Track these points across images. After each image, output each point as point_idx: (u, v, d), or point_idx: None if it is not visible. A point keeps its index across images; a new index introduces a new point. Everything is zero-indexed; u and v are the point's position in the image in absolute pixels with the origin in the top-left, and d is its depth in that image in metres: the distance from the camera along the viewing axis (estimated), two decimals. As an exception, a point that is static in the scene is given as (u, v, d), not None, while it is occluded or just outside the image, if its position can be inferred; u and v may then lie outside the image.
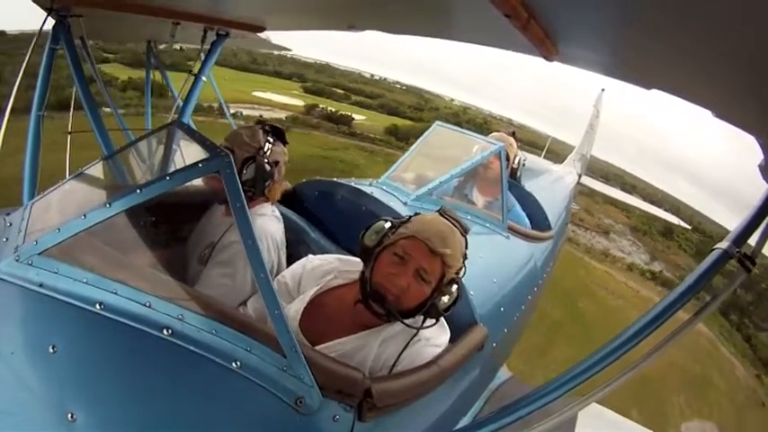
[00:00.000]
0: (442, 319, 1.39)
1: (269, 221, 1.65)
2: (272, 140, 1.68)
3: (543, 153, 7.42)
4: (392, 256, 1.24)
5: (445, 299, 1.26)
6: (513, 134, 3.10)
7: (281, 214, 1.75)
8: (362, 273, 1.29)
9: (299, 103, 38.85)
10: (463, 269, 1.32)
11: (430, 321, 1.29)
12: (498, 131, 3.12)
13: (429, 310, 1.25)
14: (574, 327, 11.68)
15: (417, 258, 1.22)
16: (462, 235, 1.31)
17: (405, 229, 1.27)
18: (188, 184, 1.07)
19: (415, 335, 1.26)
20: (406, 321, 1.25)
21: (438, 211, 1.35)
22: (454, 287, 1.27)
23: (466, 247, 1.32)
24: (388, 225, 1.31)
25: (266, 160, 1.63)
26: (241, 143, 1.62)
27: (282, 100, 38.14)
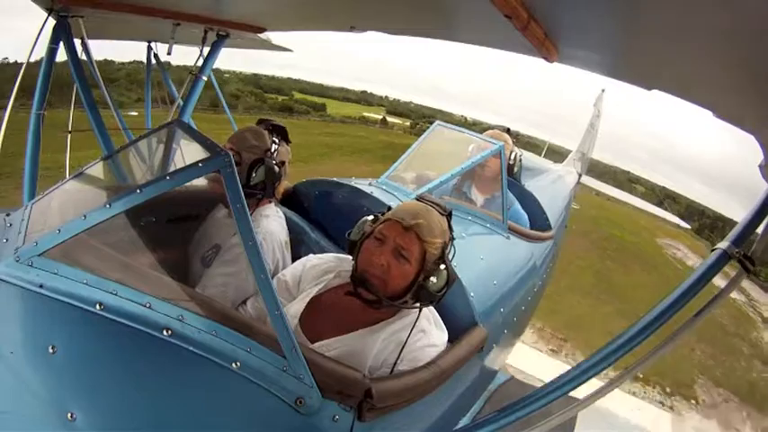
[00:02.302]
0: (441, 320, 1.39)
1: (273, 222, 1.64)
2: (277, 141, 1.67)
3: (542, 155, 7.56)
4: (372, 241, 1.28)
5: (434, 279, 1.26)
6: (508, 131, 3.09)
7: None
8: (353, 266, 1.31)
9: (399, 121, 48.06)
10: (452, 250, 1.33)
11: (427, 311, 1.30)
12: (493, 129, 3.11)
13: (418, 292, 1.26)
14: (605, 213, 19.94)
15: (393, 236, 1.25)
16: (441, 214, 1.32)
17: (383, 217, 1.32)
18: (190, 185, 1.07)
19: (413, 329, 1.27)
20: (405, 309, 1.27)
21: (416, 197, 1.40)
22: (442, 267, 1.28)
23: (451, 229, 1.34)
24: (370, 218, 1.37)
25: (274, 161, 1.62)
26: (248, 146, 1.61)
27: (391, 119, 47.75)
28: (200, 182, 1.05)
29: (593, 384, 1.21)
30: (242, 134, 1.65)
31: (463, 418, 1.69)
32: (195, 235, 1.71)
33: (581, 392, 1.24)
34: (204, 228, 1.70)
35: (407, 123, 46.31)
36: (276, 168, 1.61)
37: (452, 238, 1.34)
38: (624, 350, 1.20)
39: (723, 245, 1.18)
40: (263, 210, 1.65)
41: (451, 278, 1.29)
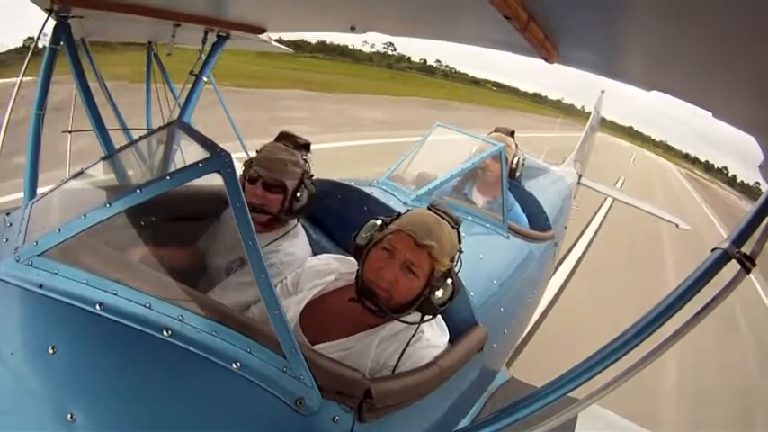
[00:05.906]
0: (442, 319, 1.39)
1: (303, 243, 1.67)
2: (306, 158, 1.67)
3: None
4: (380, 252, 1.26)
5: (439, 293, 1.25)
6: (512, 134, 3.09)
7: None
8: (357, 272, 1.30)
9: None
10: (458, 263, 1.32)
11: (428, 318, 1.29)
12: (497, 131, 3.12)
13: (423, 305, 1.26)
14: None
15: (403, 251, 1.23)
16: (453, 227, 1.31)
17: (393, 225, 1.29)
18: (191, 184, 1.06)
19: (415, 333, 1.26)
20: (405, 319, 1.26)
21: (428, 206, 1.36)
22: (448, 281, 1.27)
23: (459, 241, 1.32)
24: (378, 223, 1.34)
25: (311, 182, 1.64)
26: (289, 172, 1.60)
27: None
28: (201, 182, 1.04)
29: (594, 384, 1.21)
30: (277, 159, 1.61)
31: (463, 419, 1.69)
32: (219, 238, 1.71)
33: (581, 392, 1.24)
34: (230, 234, 1.69)
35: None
36: (313, 188, 1.62)
37: (461, 251, 1.32)
38: (624, 350, 1.20)
39: (723, 245, 1.18)
40: (292, 227, 1.68)
41: (456, 290, 1.29)
